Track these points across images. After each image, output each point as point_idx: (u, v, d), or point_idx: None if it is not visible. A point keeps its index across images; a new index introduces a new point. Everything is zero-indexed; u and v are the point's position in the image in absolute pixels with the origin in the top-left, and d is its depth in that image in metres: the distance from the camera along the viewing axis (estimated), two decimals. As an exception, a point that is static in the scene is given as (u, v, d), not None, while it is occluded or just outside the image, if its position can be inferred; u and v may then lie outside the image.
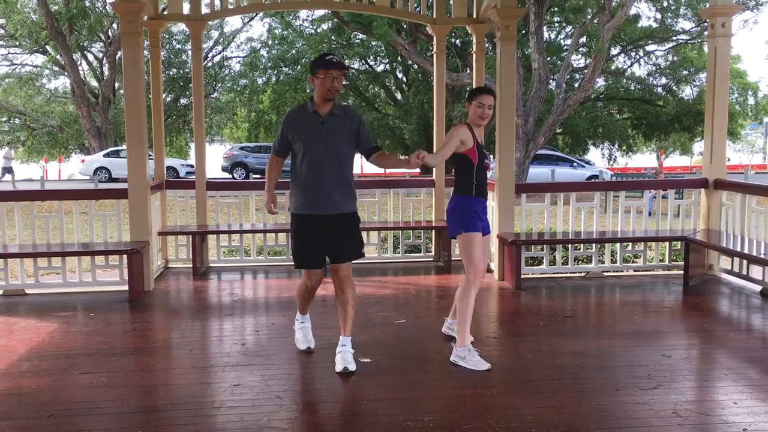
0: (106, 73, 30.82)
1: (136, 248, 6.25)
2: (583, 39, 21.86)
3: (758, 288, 6.34)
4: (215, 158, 28.00)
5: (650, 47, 27.45)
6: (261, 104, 30.43)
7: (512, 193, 6.87)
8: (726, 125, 6.93)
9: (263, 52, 30.90)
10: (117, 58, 28.84)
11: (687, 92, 29.01)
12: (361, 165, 29.33)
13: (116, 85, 30.22)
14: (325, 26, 26.87)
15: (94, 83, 32.47)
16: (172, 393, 4.06)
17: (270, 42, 29.66)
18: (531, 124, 19.34)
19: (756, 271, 6.47)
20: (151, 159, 7.53)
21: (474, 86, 7.99)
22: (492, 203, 7.17)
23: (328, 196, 4.34)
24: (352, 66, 29.72)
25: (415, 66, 26.29)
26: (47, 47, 30.09)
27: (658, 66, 28.69)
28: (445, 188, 7.71)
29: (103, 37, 30.42)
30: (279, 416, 3.67)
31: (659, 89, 28.86)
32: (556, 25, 27.34)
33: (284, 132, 4.43)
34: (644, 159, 39.86)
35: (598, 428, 3.50)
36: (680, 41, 26.55)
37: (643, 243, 7.28)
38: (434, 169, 7.78)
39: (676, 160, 41.37)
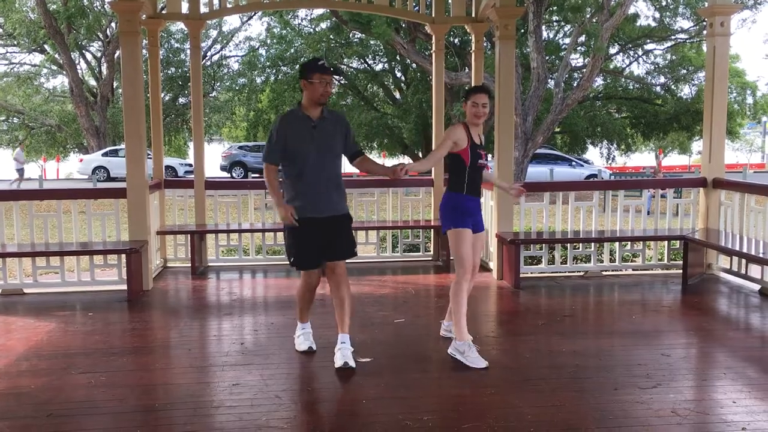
0: (105, 72, 30.79)
1: (134, 248, 6.24)
2: (582, 38, 21.84)
3: (757, 287, 6.34)
4: (214, 157, 27.99)
5: (649, 46, 27.44)
6: (260, 103, 30.38)
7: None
8: (725, 124, 6.94)
9: (262, 51, 30.85)
10: (115, 57, 28.84)
11: (686, 91, 29.02)
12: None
13: (115, 84, 30.21)
14: (323, 25, 26.80)
15: (93, 82, 32.44)
16: (171, 392, 4.06)
17: (268, 41, 29.60)
18: (530, 123, 19.33)
19: (755, 270, 6.47)
20: (150, 158, 7.51)
21: (472, 85, 8.01)
22: (491, 202, 7.18)
23: (328, 198, 4.43)
24: (350, 65, 29.71)
25: (414, 65, 26.27)
26: (45, 46, 30.06)
27: (656, 65, 28.68)
28: (444, 187, 7.71)
29: (101, 36, 30.40)
30: (278, 416, 3.67)
31: (658, 88, 28.86)
32: (555, 24, 27.32)
33: (280, 138, 4.38)
34: (643, 158, 39.86)
35: (597, 427, 3.50)
36: (679, 40, 26.54)
37: (641, 242, 7.28)
38: (433, 168, 7.77)
39: (674, 159, 41.41)
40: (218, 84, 34.27)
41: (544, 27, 22.16)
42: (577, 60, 26.40)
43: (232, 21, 34.63)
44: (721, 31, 6.67)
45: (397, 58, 28.02)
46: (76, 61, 29.85)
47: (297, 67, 5.44)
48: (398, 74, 30.78)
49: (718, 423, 3.57)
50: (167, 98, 31.87)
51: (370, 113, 28.51)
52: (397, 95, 31.13)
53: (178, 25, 27.28)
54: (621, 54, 27.76)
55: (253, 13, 29.16)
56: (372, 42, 26.47)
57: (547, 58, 21.27)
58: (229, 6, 7.70)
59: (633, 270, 7.55)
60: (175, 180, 9.44)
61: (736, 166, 32.26)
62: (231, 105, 34.24)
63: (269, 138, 4.45)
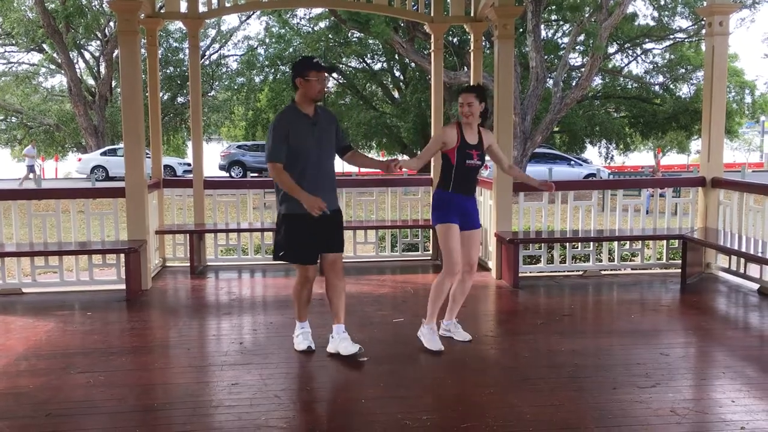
0: (103, 71, 30.77)
1: (133, 247, 6.23)
2: (581, 37, 21.84)
3: (755, 286, 6.35)
4: (212, 157, 27.98)
5: (647, 45, 27.46)
6: (258, 102, 30.38)
7: (510, 191, 6.86)
8: (723, 124, 6.94)
9: (260, 51, 30.86)
10: (114, 56, 28.81)
11: (684, 90, 29.05)
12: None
13: (113, 83, 30.18)
14: (322, 24, 26.82)
15: (91, 81, 32.42)
16: (170, 392, 4.06)
17: (267, 40, 29.61)
18: (528, 123, 19.34)
19: (753, 270, 6.48)
20: (149, 157, 7.50)
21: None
22: (489, 202, 7.18)
23: (326, 193, 4.48)
24: (349, 64, 29.70)
25: (413, 64, 26.26)
26: (44, 45, 30.03)
27: (655, 64, 28.71)
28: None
29: (99, 36, 30.36)
30: (277, 415, 3.66)
31: (656, 87, 28.89)
32: (554, 23, 27.32)
33: (284, 136, 4.38)
34: (641, 157, 39.88)
35: (596, 427, 3.50)
36: (677, 39, 26.55)
37: (640, 241, 7.28)
38: (432, 167, 7.77)
39: (673, 159, 41.43)
40: (217, 83, 34.27)
41: (542, 26, 22.18)
42: (575, 59, 26.42)
43: (230, 20, 34.69)
44: (720, 31, 6.68)
45: (396, 57, 28.02)
46: (75, 61, 29.83)
47: (293, 63, 5.43)
48: (397, 73, 30.78)
49: (717, 422, 3.57)
50: (166, 97, 31.84)
51: (368, 112, 28.52)
52: (396, 94, 31.13)
53: (177, 24, 27.25)
54: (620, 53, 27.77)
55: (251, 13, 29.14)
56: (371, 41, 26.48)
57: (545, 57, 21.28)
58: (227, 5, 7.70)
59: (632, 269, 7.55)
60: (174, 179, 9.43)
61: (733, 165, 32.28)
62: (230, 104, 34.24)
63: (272, 137, 4.41)
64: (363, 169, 28.85)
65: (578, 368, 4.33)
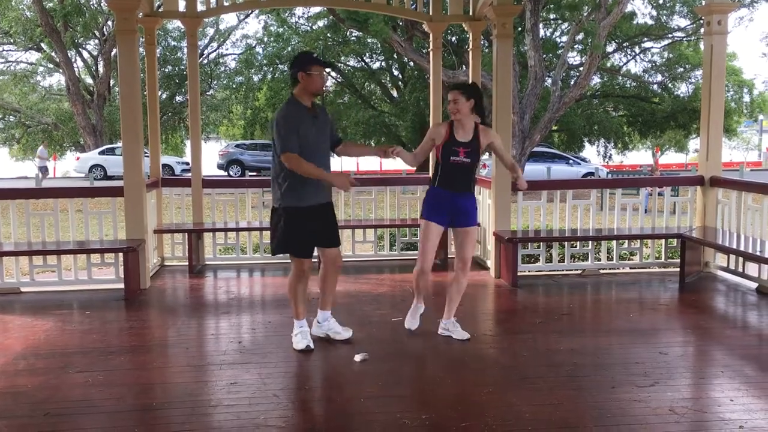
0: (101, 70, 30.73)
1: (131, 246, 6.23)
2: (579, 36, 21.85)
3: (754, 285, 6.35)
4: (211, 156, 27.97)
5: (646, 44, 27.47)
6: (257, 101, 30.38)
7: (509, 190, 6.86)
8: (722, 123, 6.94)
9: (259, 49, 30.84)
10: (112, 55, 28.75)
11: (682, 89, 29.06)
12: (357, 162, 29.35)
13: (111, 82, 30.16)
14: (320, 23, 26.80)
15: (89, 80, 32.38)
16: (169, 391, 4.06)
17: (265, 39, 29.58)
18: (527, 122, 19.34)
19: (752, 268, 6.48)
20: (147, 156, 7.50)
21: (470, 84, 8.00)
22: (489, 201, 7.18)
23: (324, 185, 4.63)
24: (347, 63, 29.68)
25: (411, 63, 26.26)
26: (42, 44, 29.99)
27: (653, 63, 28.72)
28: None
29: (98, 34, 30.31)
30: (276, 414, 3.66)
31: (655, 86, 28.90)
32: (552, 22, 27.31)
33: (294, 126, 4.44)
34: (640, 156, 39.92)
35: (595, 426, 3.50)
36: (676, 38, 26.56)
37: (639, 240, 7.28)
38: (430, 166, 7.77)
39: (671, 157, 41.46)
40: (215, 82, 34.23)
41: (541, 25, 22.15)
42: (574, 58, 26.41)
43: (229, 19, 34.57)
44: (719, 30, 6.68)
45: (395, 56, 28.01)
46: (73, 60, 29.82)
47: (294, 58, 5.41)
48: (395, 72, 30.78)
49: (715, 421, 3.57)
50: (164, 96, 31.82)
51: (367, 111, 28.52)
52: (395, 93, 31.14)
53: (175, 23, 27.21)
54: (618, 52, 27.78)
55: (250, 11, 29.11)
56: (369, 40, 26.46)
57: (544, 56, 21.27)
58: (226, 4, 7.68)
59: (630, 268, 7.56)
60: (173, 178, 9.43)
61: (731, 164, 32.30)
62: (228, 103, 34.22)
63: (283, 128, 4.42)
64: (362, 168, 29.02)
65: (577, 367, 4.33)
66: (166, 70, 31.65)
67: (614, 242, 7.29)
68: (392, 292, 6.47)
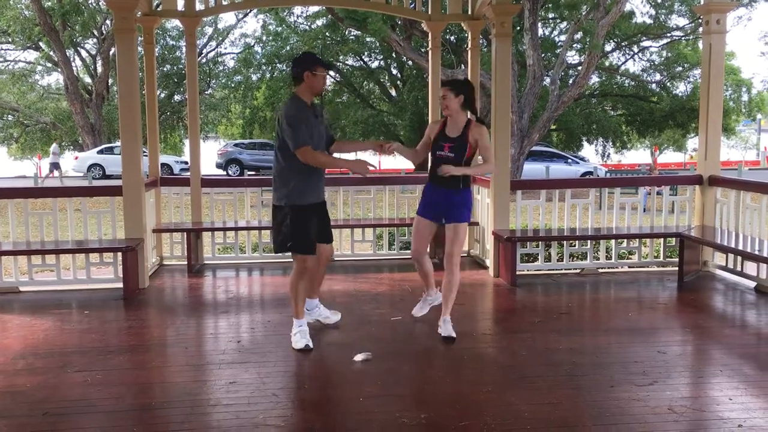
0: (100, 69, 30.69)
1: (130, 245, 6.23)
2: (578, 35, 21.85)
3: (752, 284, 6.36)
4: (210, 155, 27.95)
5: (645, 43, 27.44)
6: (255, 101, 30.31)
7: (507, 189, 6.87)
8: (720, 122, 6.95)
9: (257, 49, 30.77)
10: (111, 54, 28.74)
11: (681, 89, 29.02)
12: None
13: (110, 81, 30.12)
14: (319, 22, 26.75)
15: (88, 80, 32.34)
16: (168, 391, 4.06)
17: (264, 38, 29.52)
18: (525, 121, 19.33)
19: (750, 268, 6.49)
20: (146, 156, 7.49)
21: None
22: (487, 200, 7.18)
23: (323, 183, 4.82)
24: (346, 62, 29.65)
25: (410, 62, 26.23)
26: (40, 43, 29.93)
27: (652, 62, 28.70)
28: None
29: (96, 34, 30.27)
30: (275, 414, 3.66)
31: (653, 86, 28.88)
32: (551, 21, 27.30)
33: (305, 121, 4.53)
34: (638, 155, 39.94)
35: (594, 425, 3.51)
36: (675, 38, 26.56)
37: (638, 239, 7.29)
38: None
39: (670, 157, 41.48)
40: (214, 81, 34.20)
41: (540, 24, 22.15)
42: (572, 57, 26.41)
43: (227, 18, 34.53)
44: (717, 29, 6.68)
45: (393, 55, 27.97)
46: (71, 59, 29.77)
47: (299, 57, 5.38)
48: (394, 71, 30.73)
49: (714, 420, 3.58)
50: (163, 96, 31.79)
51: (366, 111, 28.48)
52: (393, 92, 31.10)
53: (174, 22, 27.21)
54: (617, 51, 27.75)
55: (248, 10, 29.08)
56: (368, 39, 26.42)
57: (543, 55, 21.27)
58: (224, 3, 7.67)
59: (629, 267, 7.56)
60: (171, 177, 9.42)
61: (729, 163, 32.32)
62: (227, 102, 34.18)
63: (295, 123, 4.48)
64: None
65: (576, 366, 4.34)
66: (165, 69, 31.61)
67: (613, 241, 7.29)
68: (391, 291, 6.47)
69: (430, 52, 8.14)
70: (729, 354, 4.65)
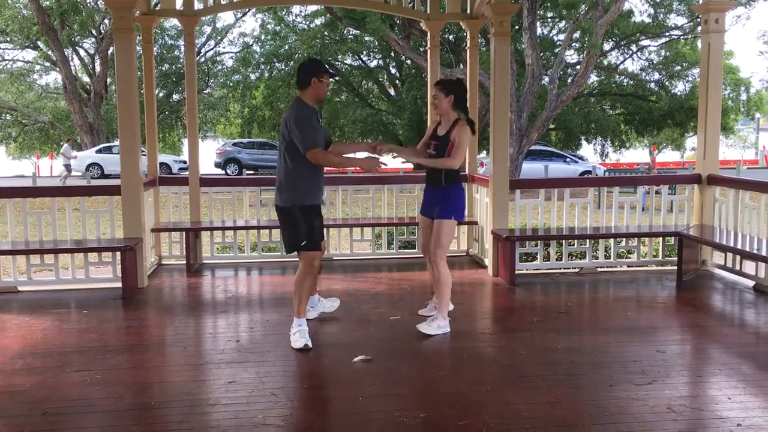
0: (98, 68, 30.68)
1: (129, 245, 6.22)
2: (577, 34, 21.86)
3: (751, 283, 6.36)
4: (208, 154, 27.93)
5: (643, 42, 27.46)
6: (254, 100, 30.29)
7: (506, 189, 6.87)
8: (719, 121, 6.96)
9: (256, 48, 30.78)
10: (109, 53, 28.73)
11: (680, 88, 29.04)
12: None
13: (108, 80, 30.11)
14: (318, 21, 26.74)
15: (86, 79, 32.33)
16: (167, 390, 4.05)
17: (263, 37, 29.51)
18: (524, 120, 19.34)
19: (749, 267, 6.49)
20: (144, 155, 7.49)
21: (468, 82, 8.01)
22: (486, 199, 7.19)
23: (322, 186, 4.89)
24: (345, 62, 29.64)
25: (409, 61, 26.23)
26: (38, 43, 29.92)
27: (651, 61, 28.71)
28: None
29: (94, 33, 30.27)
30: (274, 413, 3.66)
31: (652, 85, 28.90)
32: (550, 20, 27.31)
33: (313, 125, 4.62)
34: (637, 154, 39.97)
35: (593, 424, 3.51)
36: (673, 37, 26.57)
37: (636, 239, 7.29)
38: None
39: (668, 156, 41.50)
40: (212, 80, 34.20)
41: (538, 23, 22.16)
42: (571, 56, 26.42)
43: (226, 17, 34.54)
44: (716, 28, 6.69)
45: (392, 54, 27.97)
46: (70, 58, 29.76)
47: (306, 63, 5.37)
48: (393, 71, 30.73)
49: (713, 419, 3.58)
50: (161, 95, 31.77)
51: (364, 110, 28.48)
52: (392, 92, 31.09)
53: (172, 22, 27.20)
54: (615, 50, 27.77)
55: (247, 10, 29.06)
56: (367, 38, 26.43)
57: (541, 54, 21.27)
58: (223, 2, 7.66)
59: (628, 266, 7.57)
60: (170, 177, 9.40)
61: (727, 162, 32.35)
62: (225, 102, 34.19)
63: (304, 126, 4.56)
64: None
65: (575, 365, 4.34)
66: (163, 68, 31.59)
67: (612, 240, 7.30)
68: (390, 290, 6.47)
69: (428, 52, 8.14)
70: (728, 353, 4.65)
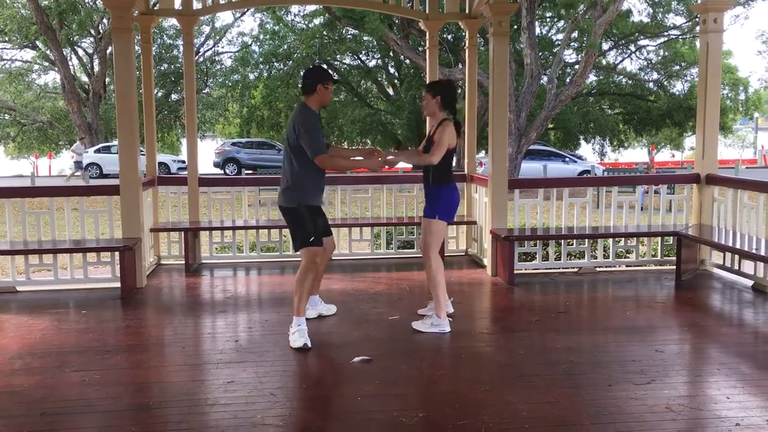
0: (97, 68, 30.65)
1: (128, 245, 6.22)
2: (575, 34, 21.88)
3: (750, 282, 6.37)
4: (207, 154, 27.90)
5: (642, 42, 27.49)
6: (253, 100, 30.28)
7: (505, 188, 6.87)
8: (717, 121, 6.96)
9: (255, 48, 30.77)
10: (108, 53, 28.71)
11: (678, 87, 29.07)
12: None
13: (107, 80, 30.08)
14: (316, 21, 26.73)
15: (85, 79, 32.31)
16: (166, 390, 4.05)
17: (261, 37, 29.49)
18: (523, 120, 19.34)
19: (747, 266, 6.50)
20: (143, 155, 7.48)
21: (467, 82, 8.02)
22: (485, 199, 7.19)
23: (323, 186, 5.07)
24: (343, 61, 29.63)
25: (408, 61, 26.24)
26: (37, 42, 29.90)
27: (649, 61, 28.73)
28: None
29: (93, 32, 30.24)
30: (273, 413, 3.66)
31: (651, 84, 28.92)
32: (548, 20, 27.32)
33: (318, 130, 4.79)
34: (636, 154, 39.97)
35: (592, 423, 3.51)
36: (672, 36, 26.59)
37: (635, 238, 7.29)
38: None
39: (667, 155, 41.51)
40: (211, 80, 34.15)
41: (537, 23, 22.16)
42: (570, 56, 26.45)
43: (224, 17, 34.55)
44: (714, 28, 6.69)
45: (391, 54, 27.99)
46: (68, 58, 29.72)
47: (312, 69, 5.40)
48: (392, 70, 30.73)
49: (712, 419, 3.58)
50: (160, 95, 31.74)
51: (363, 109, 28.46)
52: (391, 91, 31.09)
53: (171, 21, 27.19)
54: (614, 50, 27.81)
55: (245, 9, 29.03)
56: (365, 38, 26.42)
57: (540, 54, 21.28)
58: (222, 2, 7.66)
59: (627, 266, 7.57)
60: (169, 177, 9.41)
61: (725, 162, 32.36)
62: (224, 101, 34.14)
63: (312, 132, 4.71)
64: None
65: (573, 365, 4.34)
66: (162, 68, 31.55)
67: (610, 240, 7.30)
68: (389, 290, 6.47)
69: (427, 51, 8.13)
70: (726, 352, 4.65)
